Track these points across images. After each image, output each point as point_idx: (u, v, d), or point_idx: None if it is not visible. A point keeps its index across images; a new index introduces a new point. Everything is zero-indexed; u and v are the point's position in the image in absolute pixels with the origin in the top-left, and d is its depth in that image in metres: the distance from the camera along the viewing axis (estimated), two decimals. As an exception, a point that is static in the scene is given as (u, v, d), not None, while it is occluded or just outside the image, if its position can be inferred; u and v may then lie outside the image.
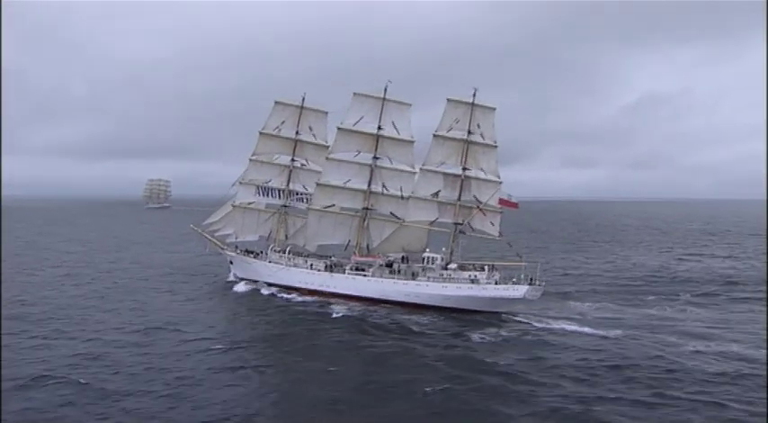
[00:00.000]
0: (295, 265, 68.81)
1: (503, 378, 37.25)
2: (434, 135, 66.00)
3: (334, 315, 55.94)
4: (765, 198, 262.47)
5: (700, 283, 74.37)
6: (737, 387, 36.01)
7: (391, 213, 68.20)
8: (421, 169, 66.78)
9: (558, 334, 48.84)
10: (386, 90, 68.51)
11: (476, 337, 48.16)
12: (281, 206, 73.69)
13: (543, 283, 58.53)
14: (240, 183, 73.87)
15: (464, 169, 65.52)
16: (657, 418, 31.33)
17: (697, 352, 43.48)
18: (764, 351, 43.01)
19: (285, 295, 64.46)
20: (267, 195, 73.88)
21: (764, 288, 68.30)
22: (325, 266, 67.33)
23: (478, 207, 64.77)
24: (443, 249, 65.02)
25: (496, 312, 58.69)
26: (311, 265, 68.10)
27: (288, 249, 70.73)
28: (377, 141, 68.34)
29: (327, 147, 72.01)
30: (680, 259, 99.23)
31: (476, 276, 60.79)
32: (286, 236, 73.31)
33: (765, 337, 46.65)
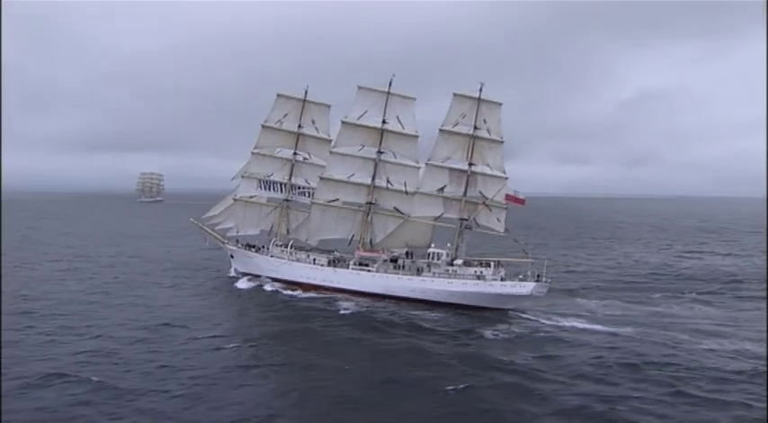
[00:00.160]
0: (297, 260, 68.06)
1: (521, 376, 36.76)
2: (440, 130, 65.30)
3: (342, 311, 55.17)
4: (765, 196, 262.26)
5: (704, 280, 74.25)
6: (757, 386, 35.67)
7: (395, 208, 67.50)
8: (426, 164, 66.08)
9: (570, 331, 48.45)
10: (390, 84, 67.68)
11: (488, 334, 47.70)
12: (282, 200, 72.74)
13: (549, 280, 58.06)
14: (242, 176, 72.96)
15: (470, 164, 64.87)
16: (682, 418, 30.92)
17: (711, 350, 43.26)
18: None
19: (290, 292, 63.44)
20: (269, 189, 72.97)
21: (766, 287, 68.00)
22: (329, 261, 66.66)
23: (484, 203, 64.13)
24: (448, 245, 64.37)
25: (502, 309, 58.28)
26: (314, 259, 67.40)
27: (290, 244, 69.95)
28: (381, 136, 67.58)
29: (330, 140, 71.25)
30: (681, 256, 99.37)
31: (482, 273, 60.24)
32: (288, 230, 72.46)
33: (765, 336, 46.38)
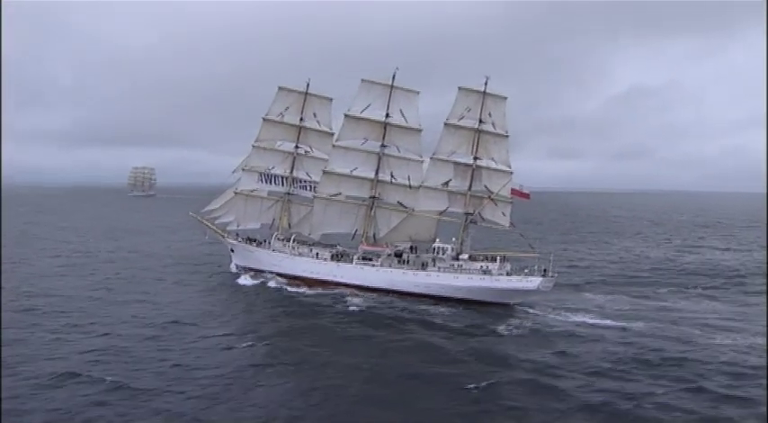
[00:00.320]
0: (300, 254, 67.44)
1: (540, 373, 36.32)
2: (445, 124, 64.76)
3: (351, 308, 54.43)
4: (765, 191, 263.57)
5: (707, 275, 74.22)
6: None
7: (398, 202, 66.96)
8: (431, 158, 65.52)
9: (582, 326, 48.08)
10: (394, 77, 67.07)
11: (501, 329, 47.30)
12: (284, 194, 71.97)
13: (555, 275, 57.73)
14: (243, 169, 72.10)
15: (475, 159, 64.36)
16: (706, 414, 30.59)
17: (725, 345, 43.01)
18: None
19: (295, 288, 62.31)
20: (270, 182, 72.16)
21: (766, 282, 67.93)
22: (332, 256, 66.05)
23: (490, 197, 63.65)
24: (453, 239, 63.91)
25: (508, 304, 57.90)
26: (317, 254, 66.78)
27: (293, 238, 69.29)
28: (384, 129, 67.02)
29: (332, 134, 70.65)
30: (681, 251, 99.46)
31: (487, 267, 59.82)
32: (289, 224, 71.74)
33: (765, 332, 46.30)
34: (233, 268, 71.87)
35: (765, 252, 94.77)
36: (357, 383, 34.04)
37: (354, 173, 67.50)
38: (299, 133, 71.45)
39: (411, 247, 65.38)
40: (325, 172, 67.92)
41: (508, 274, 58.89)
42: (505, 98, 64.98)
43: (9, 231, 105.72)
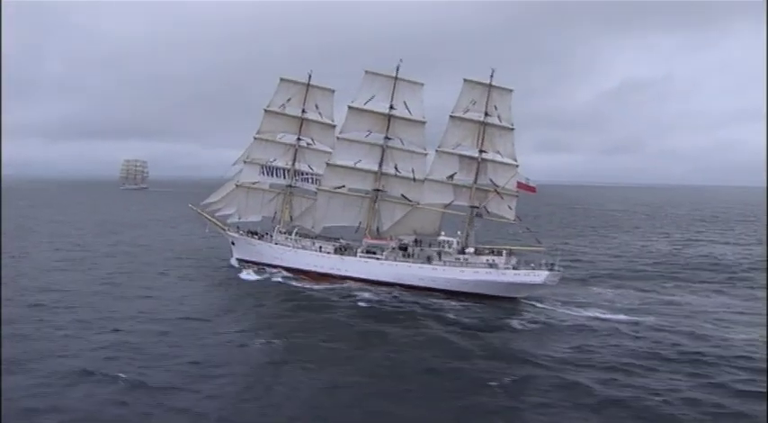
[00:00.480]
0: (303, 248, 66.74)
1: (562, 368, 35.83)
2: (451, 116, 64.13)
3: (362, 302, 53.59)
4: (765, 185, 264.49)
5: (712, 270, 73.84)
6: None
7: (402, 195, 66.33)
8: (437, 151, 64.88)
9: (596, 321, 47.68)
10: (398, 69, 66.36)
11: (515, 324, 46.82)
12: (286, 186, 71.15)
13: (561, 269, 57.36)
14: (244, 161, 71.26)
15: (481, 152, 63.76)
16: (735, 410, 30.19)
17: (740, 340, 42.63)
18: None
19: (301, 283, 61.21)
20: (272, 175, 71.33)
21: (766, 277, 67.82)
22: (335, 249, 65.39)
23: (496, 190, 63.12)
24: (458, 233, 63.36)
25: (514, 298, 57.48)
26: (320, 247, 66.09)
27: (295, 231, 68.56)
28: (388, 121, 66.29)
29: (334, 126, 70.00)
30: (683, 245, 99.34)
31: (494, 261, 59.33)
32: (291, 217, 70.99)
33: (766, 328, 46.03)
34: (233, 262, 70.89)
35: (765, 247, 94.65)
36: (378, 380, 33.37)
37: (358, 165, 66.81)
38: (301, 125, 70.57)
39: (415, 241, 64.86)
40: (328, 164, 67.18)
41: (514, 268, 58.44)
42: (511, 91, 64.46)
43: (5, 225, 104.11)
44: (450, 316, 49.21)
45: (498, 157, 63.89)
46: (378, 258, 62.78)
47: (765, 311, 51.07)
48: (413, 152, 66.60)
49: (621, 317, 48.76)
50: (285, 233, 68.77)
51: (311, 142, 70.76)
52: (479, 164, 63.80)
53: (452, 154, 64.36)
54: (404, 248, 63.64)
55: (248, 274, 64.30)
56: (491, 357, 37.86)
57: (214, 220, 73.03)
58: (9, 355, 35.22)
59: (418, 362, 36.52)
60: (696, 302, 55.57)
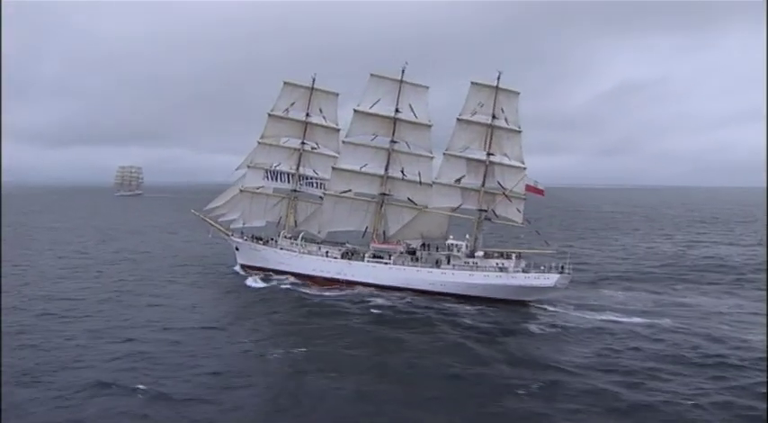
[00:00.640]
0: (309, 253, 66.12)
1: (587, 373, 35.38)
2: (458, 119, 63.78)
3: (375, 308, 52.92)
4: (765, 186, 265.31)
5: (720, 272, 73.50)
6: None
7: (408, 199, 65.81)
8: (444, 154, 64.51)
9: (612, 324, 47.33)
10: (403, 72, 65.98)
11: (533, 329, 46.40)
12: (290, 191, 70.53)
13: (571, 272, 56.99)
14: (248, 166, 70.59)
15: (488, 154, 63.36)
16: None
17: (759, 341, 42.28)
18: None
19: (311, 290, 60.34)
20: (276, 179, 70.70)
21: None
22: (342, 254, 64.79)
23: (504, 193, 62.72)
24: (467, 237, 62.88)
25: (524, 301, 57.07)
26: (326, 252, 65.49)
27: (301, 236, 67.95)
28: (394, 125, 65.86)
29: (338, 130, 69.55)
30: (686, 246, 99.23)
31: (503, 265, 58.88)
32: (295, 222, 70.38)
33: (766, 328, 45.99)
34: (238, 269, 70.12)
35: (766, 248, 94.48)
36: (403, 387, 32.82)
37: (364, 169, 66.27)
38: (306, 129, 69.94)
39: (423, 245, 64.43)
40: (334, 168, 66.67)
41: (524, 272, 58.03)
42: (518, 93, 64.21)
43: (5, 232, 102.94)
44: (467, 321, 48.61)
45: (506, 160, 63.56)
46: (386, 263, 62.26)
47: (765, 312, 51.10)
48: (419, 155, 66.18)
49: (637, 320, 48.38)
50: (290, 238, 68.11)
51: (316, 146, 70.16)
52: (487, 167, 63.44)
53: (460, 157, 63.97)
54: (412, 252, 63.15)
55: (255, 282, 63.21)
56: (514, 363, 37.39)
57: (217, 225, 72.30)
58: (21, 367, 34.51)
59: (441, 368, 35.95)
60: (708, 304, 55.31)
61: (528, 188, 62.88)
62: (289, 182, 70.52)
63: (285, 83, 69.97)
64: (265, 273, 66.30)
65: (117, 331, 42.60)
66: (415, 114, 65.92)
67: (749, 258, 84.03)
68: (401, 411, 29.65)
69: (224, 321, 46.95)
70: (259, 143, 70.20)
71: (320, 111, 70.07)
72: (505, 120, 63.33)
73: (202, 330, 43.75)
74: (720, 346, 41.20)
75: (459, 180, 64.01)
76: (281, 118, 69.54)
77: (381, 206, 66.61)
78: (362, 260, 63.40)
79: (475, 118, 63.47)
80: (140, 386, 31.75)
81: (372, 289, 60.00)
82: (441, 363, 36.95)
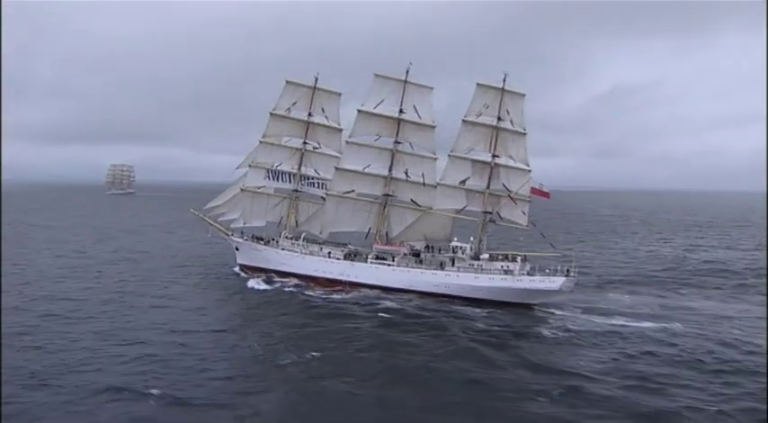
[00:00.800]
0: (311, 253, 65.47)
1: (607, 379, 34.93)
2: (463, 120, 63.39)
3: (384, 311, 52.09)
4: (765, 191, 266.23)
5: (722, 276, 73.40)
6: None
7: (412, 200, 65.27)
8: (449, 155, 64.09)
9: (624, 329, 46.97)
10: (407, 72, 65.52)
11: (546, 333, 45.87)
12: (291, 191, 69.83)
13: (576, 275, 56.67)
14: (249, 165, 69.82)
15: (494, 156, 62.92)
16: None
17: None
18: None
19: (318, 293, 59.38)
20: (277, 179, 69.97)
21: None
22: (345, 255, 64.17)
23: (509, 196, 62.29)
24: (471, 239, 62.46)
25: (529, 304, 56.68)
26: (329, 253, 64.85)
27: (303, 236, 67.28)
28: (398, 125, 65.35)
29: (340, 130, 68.95)
30: (686, 250, 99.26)
31: (509, 267, 58.46)
32: (296, 222, 69.71)
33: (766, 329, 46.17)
34: (236, 269, 69.34)
35: (765, 252, 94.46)
36: (423, 391, 32.31)
37: (367, 170, 65.74)
38: (308, 129, 69.28)
39: (427, 247, 63.90)
40: (337, 169, 66.07)
41: (529, 275, 57.63)
42: (524, 95, 63.86)
43: (5, 231, 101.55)
44: (479, 325, 48.12)
45: (511, 162, 63.22)
46: (389, 264, 61.71)
47: (766, 314, 51.28)
48: (423, 156, 65.72)
49: (647, 324, 48.11)
50: (291, 239, 67.44)
51: (318, 146, 69.46)
52: (492, 169, 63.02)
53: (465, 159, 63.53)
54: (416, 254, 62.63)
55: (258, 284, 62.26)
56: (531, 367, 36.94)
57: (217, 225, 71.45)
58: (28, 369, 33.73)
59: (459, 372, 35.43)
60: (715, 308, 55.18)
61: (533, 191, 62.51)
62: (290, 182, 69.81)
63: (287, 82, 69.31)
64: (267, 274, 65.44)
65: (122, 333, 41.76)
66: (419, 115, 65.49)
67: (750, 263, 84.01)
68: (426, 417, 29.09)
69: (231, 324, 46.24)
70: (261, 142, 69.46)
71: (322, 110, 69.41)
72: (511, 122, 62.97)
73: (210, 333, 42.94)
74: (734, 350, 40.98)
75: (463, 182, 63.58)
76: (283, 117, 68.87)
77: (384, 207, 66.07)
78: (365, 261, 62.84)
79: (480, 119, 63.06)
80: (153, 391, 30.94)
81: (377, 291, 59.37)
82: (458, 367, 36.41)
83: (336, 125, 69.49)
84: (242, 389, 32.01)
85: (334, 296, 57.78)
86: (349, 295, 58.12)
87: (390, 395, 31.66)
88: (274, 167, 69.32)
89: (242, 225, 70.55)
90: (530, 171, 63.01)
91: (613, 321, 49.14)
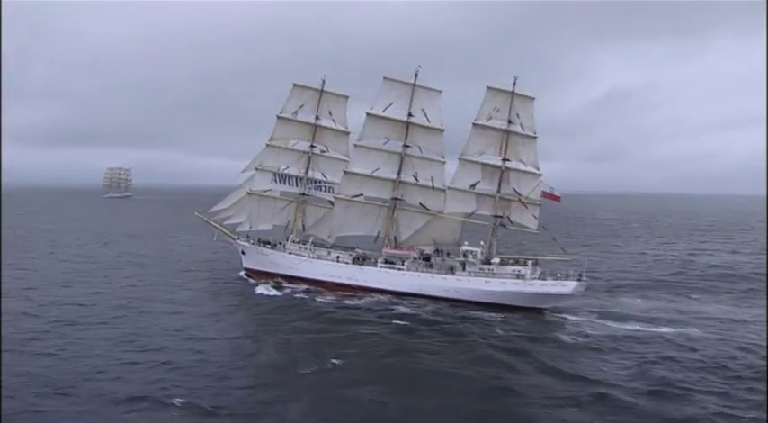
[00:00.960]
0: (319, 257, 64.90)
1: (634, 386, 34.42)
2: (474, 124, 63.07)
3: (399, 317, 51.39)
4: (765, 194, 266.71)
5: (731, 280, 72.91)
6: None
7: (420, 204, 64.82)
8: (459, 159, 63.72)
9: (642, 334, 46.49)
10: (416, 75, 65.15)
11: (565, 339, 45.36)
12: (299, 194, 69.25)
13: (588, 279, 56.34)
14: (256, 169, 69.25)
15: (504, 160, 62.53)
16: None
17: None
18: None
19: (329, 299, 58.51)
20: (284, 182, 69.38)
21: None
22: (353, 259, 63.63)
23: (520, 200, 61.91)
24: (481, 243, 62.05)
25: (541, 309, 56.32)
26: (337, 257, 64.29)
27: (311, 240, 66.71)
28: (407, 129, 64.93)
29: (348, 133, 68.47)
30: (691, 254, 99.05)
31: (520, 271, 58.04)
32: (304, 226, 69.12)
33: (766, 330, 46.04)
34: (242, 274, 68.66)
35: (766, 256, 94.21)
36: (453, 400, 31.62)
37: (376, 173, 65.27)
38: (315, 132, 68.72)
39: (437, 251, 63.43)
40: (345, 172, 65.58)
41: (541, 279, 57.22)
42: (533, 98, 63.63)
43: (5, 235, 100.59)
44: (497, 330, 47.61)
45: (522, 166, 62.89)
46: (399, 269, 61.22)
47: (766, 316, 51.19)
48: (431, 160, 65.31)
49: (665, 329, 47.70)
50: (299, 243, 66.88)
51: (325, 149, 68.88)
52: (503, 173, 62.63)
53: (475, 162, 63.16)
54: (427, 259, 62.15)
55: (267, 290, 61.50)
56: (556, 374, 36.39)
57: (222, 228, 70.75)
58: (43, 376, 33.06)
59: (485, 380, 34.89)
60: (729, 313, 54.83)
61: (544, 195, 62.16)
62: (297, 185, 69.22)
63: (295, 85, 68.83)
64: (274, 279, 64.83)
65: (136, 339, 41.02)
66: (427, 118, 65.06)
67: (756, 267, 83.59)
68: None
69: (246, 330, 45.58)
70: (267, 145, 68.88)
71: (330, 113, 68.91)
72: (521, 125, 62.68)
73: (227, 340, 42.24)
74: (755, 356, 40.56)
75: (474, 185, 63.14)
76: (290, 120, 68.32)
77: (393, 211, 65.61)
78: (374, 266, 62.34)
79: (490, 123, 62.73)
80: (175, 400, 30.15)
81: (389, 296, 58.77)
82: (482, 373, 35.89)
83: (344, 128, 69.01)
84: (265, 398, 31.29)
85: (347, 302, 57.04)
86: (362, 301, 57.37)
87: (418, 403, 31.00)
88: (281, 171, 68.72)
89: (248, 229, 69.79)
90: (540, 175, 62.73)
91: (629, 326, 48.75)
